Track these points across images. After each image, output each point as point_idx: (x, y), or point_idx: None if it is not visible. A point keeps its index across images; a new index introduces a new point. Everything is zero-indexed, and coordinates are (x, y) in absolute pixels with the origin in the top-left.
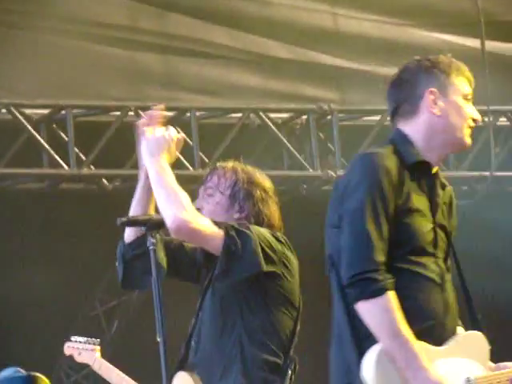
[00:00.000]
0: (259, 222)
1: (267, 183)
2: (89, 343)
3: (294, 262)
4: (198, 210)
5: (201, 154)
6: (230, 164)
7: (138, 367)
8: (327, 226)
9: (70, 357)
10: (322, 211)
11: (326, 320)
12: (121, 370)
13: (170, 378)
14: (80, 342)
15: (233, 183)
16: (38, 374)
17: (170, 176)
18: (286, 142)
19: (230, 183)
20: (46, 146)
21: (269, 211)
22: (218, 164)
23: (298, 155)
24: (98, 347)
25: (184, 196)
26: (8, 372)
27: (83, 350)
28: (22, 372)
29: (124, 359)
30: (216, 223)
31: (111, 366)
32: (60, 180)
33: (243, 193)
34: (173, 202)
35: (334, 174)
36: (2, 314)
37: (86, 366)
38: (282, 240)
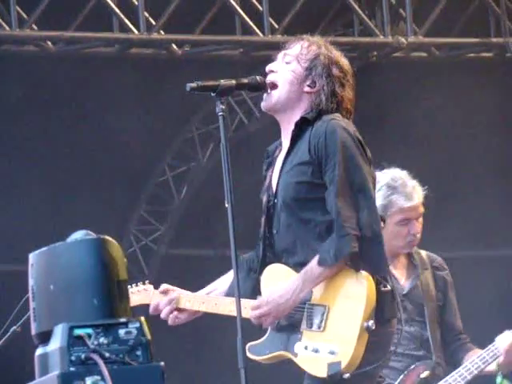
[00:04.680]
0: (332, 102)
1: (347, 66)
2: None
3: None
4: (272, 71)
5: (271, 19)
6: (316, 38)
7: (205, 232)
8: None
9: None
10: (391, 78)
11: None
12: (188, 235)
13: (259, 272)
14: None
15: (313, 57)
16: (107, 237)
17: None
18: (356, 7)
19: (311, 56)
20: (116, 9)
21: (344, 93)
22: (304, 36)
23: (368, 21)
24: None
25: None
26: (78, 234)
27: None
28: (93, 235)
29: (191, 225)
30: None
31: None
32: (130, 44)
33: (321, 68)
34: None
35: (404, 41)
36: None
37: (156, 231)
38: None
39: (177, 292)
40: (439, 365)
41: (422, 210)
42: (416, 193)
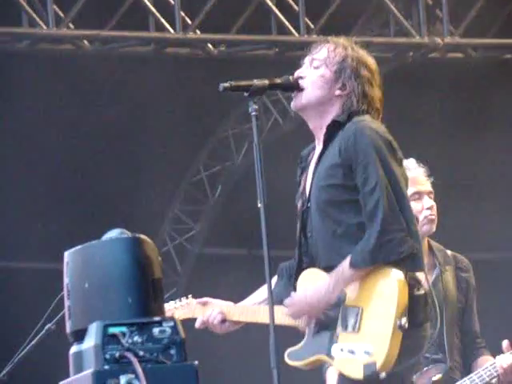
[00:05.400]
0: (363, 103)
1: (374, 64)
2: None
3: None
4: (301, 78)
5: (306, 19)
6: (341, 40)
7: (239, 231)
8: None
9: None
10: (427, 79)
11: None
12: (222, 234)
13: (296, 277)
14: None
15: (341, 59)
16: (142, 236)
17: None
18: (392, 7)
19: (339, 59)
20: (152, 8)
21: (373, 93)
22: (329, 38)
23: (404, 21)
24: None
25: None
26: (113, 233)
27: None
28: (128, 233)
29: (226, 224)
30: None
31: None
32: (166, 44)
33: (349, 71)
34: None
35: (441, 42)
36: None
37: (190, 230)
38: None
39: (218, 304)
40: (455, 369)
41: (431, 189)
42: (422, 169)
